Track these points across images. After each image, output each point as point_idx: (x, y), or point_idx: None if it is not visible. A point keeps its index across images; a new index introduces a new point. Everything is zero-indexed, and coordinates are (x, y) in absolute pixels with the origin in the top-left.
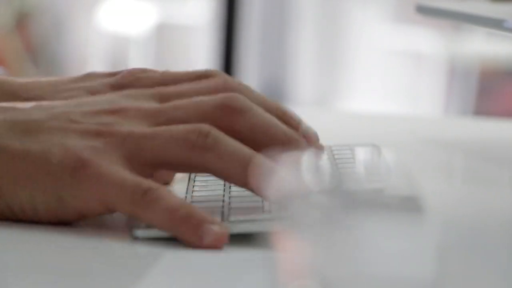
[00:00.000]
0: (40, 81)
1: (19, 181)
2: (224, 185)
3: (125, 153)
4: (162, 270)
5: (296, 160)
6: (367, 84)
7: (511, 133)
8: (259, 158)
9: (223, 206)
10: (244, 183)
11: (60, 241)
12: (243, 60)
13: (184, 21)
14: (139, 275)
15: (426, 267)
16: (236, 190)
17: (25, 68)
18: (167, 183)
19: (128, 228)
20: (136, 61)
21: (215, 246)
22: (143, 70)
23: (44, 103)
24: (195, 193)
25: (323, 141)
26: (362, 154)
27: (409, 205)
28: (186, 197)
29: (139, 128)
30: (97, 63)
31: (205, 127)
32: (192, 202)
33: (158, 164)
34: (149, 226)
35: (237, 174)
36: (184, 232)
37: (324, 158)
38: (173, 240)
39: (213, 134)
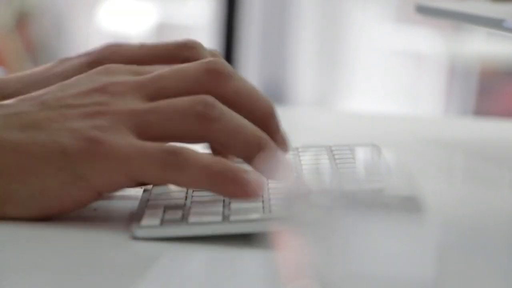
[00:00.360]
0: (16, 76)
1: (28, 167)
2: None
3: (131, 127)
4: (162, 270)
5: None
6: (367, 84)
7: (511, 133)
8: (269, 141)
9: (223, 206)
10: (245, 157)
11: (60, 241)
12: (243, 60)
13: (184, 21)
14: (139, 275)
15: (426, 267)
16: None
17: (25, 68)
18: None
19: (128, 228)
20: None
21: (257, 193)
22: (119, 44)
23: (27, 95)
24: (195, 193)
25: (323, 141)
26: (362, 154)
27: (409, 205)
28: (186, 196)
29: (137, 104)
30: None
31: (210, 98)
32: (192, 202)
33: (165, 137)
34: (148, 226)
35: (241, 147)
36: (224, 186)
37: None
38: (173, 240)
39: (218, 105)
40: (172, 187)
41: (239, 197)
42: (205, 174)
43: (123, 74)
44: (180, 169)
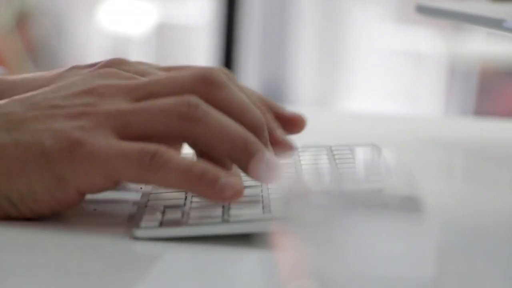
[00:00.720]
0: (26, 77)
1: (14, 170)
2: None
3: (114, 129)
4: (162, 270)
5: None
6: (367, 84)
7: (511, 133)
8: (256, 142)
9: (223, 206)
10: (231, 158)
11: (60, 241)
12: (243, 60)
13: (184, 21)
14: (139, 275)
15: (426, 267)
16: None
17: (25, 68)
18: None
19: (128, 229)
20: None
21: (235, 198)
22: (122, 61)
23: (21, 96)
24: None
25: (323, 141)
26: (362, 154)
27: (409, 205)
28: (185, 197)
29: (123, 104)
30: None
31: (194, 98)
32: (192, 202)
33: (147, 137)
34: (148, 226)
35: (225, 148)
36: (202, 188)
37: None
38: (173, 240)
39: (202, 105)
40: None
41: (216, 200)
42: (183, 176)
43: (118, 79)
44: (158, 169)
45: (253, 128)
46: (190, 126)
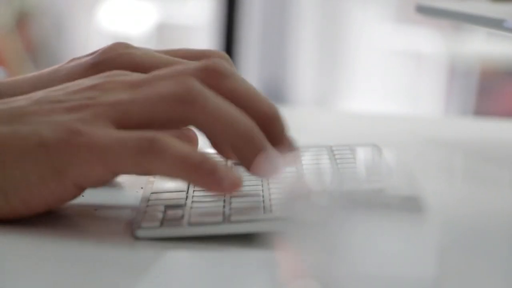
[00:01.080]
0: (25, 77)
1: (9, 161)
2: None
3: (113, 119)
4: (162, 270)
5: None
6: (367, 84)
7: (511, 133)
8: (262, 136)
9: (223, 206)
10: (233, 146)
11: (61, 241)
12: (243, 60)
13: (184, 21)
14: (139, 275)
15: (426, 267)
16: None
17: (25, 68)
18: None
19: (128, 228)
20: None
21: (233, 189)
22: (126, 46)
23: (26, 95)
24: (195, 193)
25: (323, 141)
26: (362, 154)
27: (410, 205)
28: (186, 196)
29: (123, 95)
30: None
31: (189, 80)
32: (193, 202)
33: (147, 125)
34: (148, 226)
35: (227, 134)
36: (199, 178)
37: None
38: (173, 240)
39: (198, 86)
40: (171, 187)
41: (213, 191)
42: (181, 164)
43: (122, 76)
44: (156, 156)
45: (265, 118)
46: (188, 108)
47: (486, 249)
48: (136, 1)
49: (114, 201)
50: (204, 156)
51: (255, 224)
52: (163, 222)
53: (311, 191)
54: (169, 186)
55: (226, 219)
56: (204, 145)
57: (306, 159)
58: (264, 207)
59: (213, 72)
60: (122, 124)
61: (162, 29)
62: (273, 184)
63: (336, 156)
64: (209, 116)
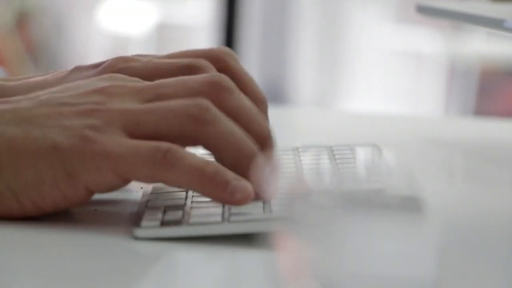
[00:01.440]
0: (28, 82)
1: (22, 162)
2: None
3: (124, 127)
4: (162, 270)
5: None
6: (367, 84)
7: (511, 133)
8: (261, 156)
9: (223, 206)
10: (235, 165)
11: (61, 241)
12: (243, 60)
13: (184, 21)
14: (139, 275)
15: (426, 267)
16: None
17: (25, 68)
18: None
19: (128, 229)
20: None
21: (245, 201)
22: (126, 59)
23: (28, 95)
24: (195, 193)
25: (323, 141)
26: (362, 154)
27: (409, 205)
28: (186, 197)
29: (134, 104)
30: None
31: (204, 101)
32: (193, 202)
33: (157, 137)
34: (148, 226)
35: (232, 155)
36: (213, 190)
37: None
38: (173, 240)
39: (212, 108)
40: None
41: (226, 203)
42: (194, 175)
43: (125, 82)
44: (170, 167)
45: (260, 138)
46: (200, 128)
47: (486, 249)
48: (136, 1)
49: (114, 201)
50: (218, 168)
51: (255, 224)
52: (163, 222)
53: (311, 191)
54: (168, 187)
55: (225, 219)
56: None
57: (306, 159)
58: (264, 207)
59: (218, 87)
60: (133, 133)
61: (162, 29)
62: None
63: (336, 156)
64: (219, 138)
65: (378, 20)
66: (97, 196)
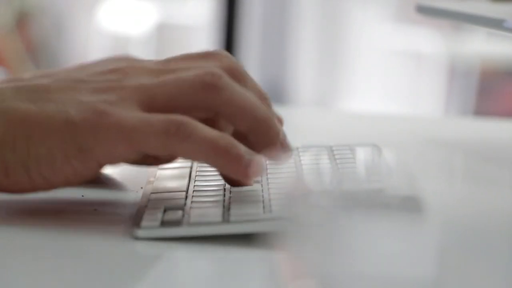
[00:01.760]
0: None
1: (35, 137)
2: (225, 185)
3: (138, 102)
4: (162, 270)
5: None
6: (367, 84)
7: (511, 133)
8: (278, 125)
9: (223, 206)
10: (251, 132)
11: (61, 241)
12: (243, 60)
13: (184, 21)
14: (139, 275)
15: (426, 267)
16: (236, 189)
17: (25, 68)
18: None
19: (128, 229)
20: None
21: (256, 176)
22: (136, 59)
23: (43, 72)
24: (195, 193)
25: (323, 141)
26: (362, 154)
27: (409, 205)
28: (186, 197)
29: (148, 79)
30: None
31: (217, 69)
32: (192, 202)
33: (173, 109)
34: (148, 226)
35: (247, 120)
36: (226, 163)
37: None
38: (173, 240)
39: (225, 76)
40: (171, 187)
41: (238, 175)
42: (208, 147)
43: (141, 62)
44: (184, 139)
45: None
46: (215, 95)
47: (486, 249)
48: (136, 1)
49: (114, 201)
50: (232, 142)
51: (255, 224)
52: (163, 222)
53: (311, 191)
54: (169, 186)
55: (225, 219)
56: None
57: (306, 159)
58: (264, 207)
59: (234, 70)
60: (148, 107)
61: (162, 29)
62: (273, 184)
63: (336, 156)
64: (234, 104)
65: (378, 20)
66: (97, 196)
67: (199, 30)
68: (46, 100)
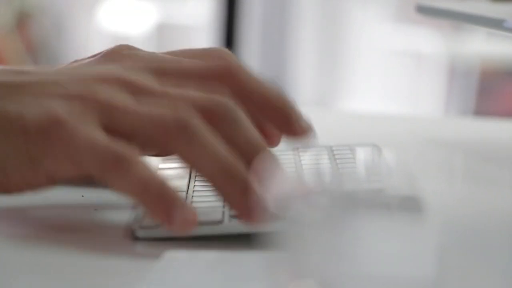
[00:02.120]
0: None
1: None
2: None
3: (102, 120)
4: (162, 270)
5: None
6: (367, 84)
7: (511, 133)
8: (241, 167)
9: (223, 206)
10: (217, 189)
11: (60, 241)
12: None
13: (184, 21)
14: (140, 275)
15: (426, 267)
16: None
17: None
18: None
19: (128, 228)
20: None
21: (184, 228)
22: (131, 47)
23: (31, 71)
24: (195, 193)
25: (323, 141)
26: (362, 154)
27: (409, 205)
28: (186, 196)
29: (122, 99)
30: None
31: (186, 118)
32: (193, 202)
33: (131, 139)
34: (148, 226)
35: (210, 175)
36: (154, 209)
37: (322, 157)
38: (174, 241)
39: (191, 127)
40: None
41: (163, 223)
42: (140, 188)
43: (138, 71)
44: (118, 174)
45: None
46: (173, 142)
47: (486, 249)
48: (136, 1)
49: (114, 201)
50: (166, 187)
51: (255, 224)
52: None
53: (311, 191)
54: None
55: (226, 219)
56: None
57: (306, 159)
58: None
59: (215, 115)
60: (108, 128)
61: (162, 29)
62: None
63: (336, 156)
64: (194, 157)
65: (378, 20)
66: (97, 196)
67: (199, 30)
68: (10, 100)
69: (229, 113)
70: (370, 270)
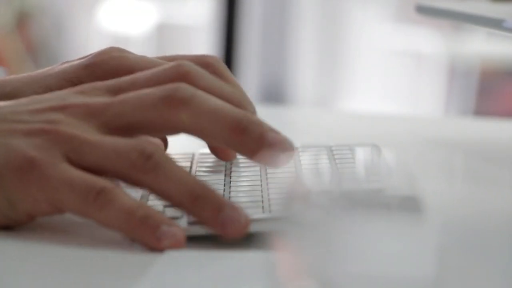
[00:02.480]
0: (18, 75)
1: None
2: (224, 185)
3: (67, 153)
4: (162, 270)
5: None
6: (367, 84)
7: (511, 133)
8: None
9: None
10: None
11: (60, 241)
12: (243, 60)
13: (184, 21)
14: (139, 275)
15: (426, 267)
16: (235, 190)
17: (25, 68)
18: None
19: None
20: None
21: (172, 247)
22: (121, 50)
23: None
24: None
25: (323, 141)
26: (362, 154)
27: (409, 205)
28: None
29: (85, 131)
30: None
31: (150, 148)
32: None
33: (97, 171)
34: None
35: (180, 202)
36: (141, 234)
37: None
38: None
39: (155, 157)
40: None
41: (153, 248)
42: (124, 218)
43: (95, 95)
44: (101, 207)
45: (236, 128)
46: (138, 174)
47: (486, 249)
48: (136, 1)
49: None
50: (149, 212)
51: (255, 224)
52: None
53: (310, 191)
54: None
55: None
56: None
57: (306, 159)
58: (263, 207)
59: (173, 100)
60: (75, 162)
61: (162, 29)
62: (272, 184)
63: (336, 156)
64: (162, 187)
65: (378, 20)
66: None
67: (199, 30)
68: None
69: (183, 93)
70: (370, 270)
